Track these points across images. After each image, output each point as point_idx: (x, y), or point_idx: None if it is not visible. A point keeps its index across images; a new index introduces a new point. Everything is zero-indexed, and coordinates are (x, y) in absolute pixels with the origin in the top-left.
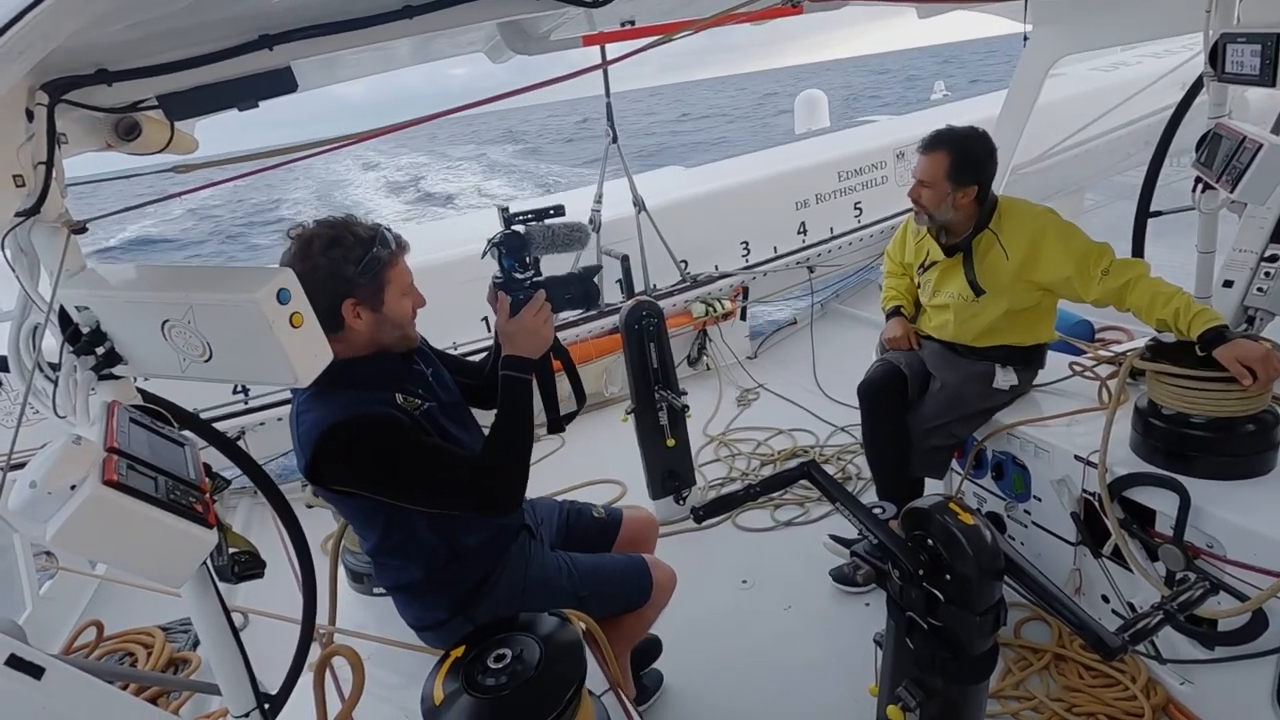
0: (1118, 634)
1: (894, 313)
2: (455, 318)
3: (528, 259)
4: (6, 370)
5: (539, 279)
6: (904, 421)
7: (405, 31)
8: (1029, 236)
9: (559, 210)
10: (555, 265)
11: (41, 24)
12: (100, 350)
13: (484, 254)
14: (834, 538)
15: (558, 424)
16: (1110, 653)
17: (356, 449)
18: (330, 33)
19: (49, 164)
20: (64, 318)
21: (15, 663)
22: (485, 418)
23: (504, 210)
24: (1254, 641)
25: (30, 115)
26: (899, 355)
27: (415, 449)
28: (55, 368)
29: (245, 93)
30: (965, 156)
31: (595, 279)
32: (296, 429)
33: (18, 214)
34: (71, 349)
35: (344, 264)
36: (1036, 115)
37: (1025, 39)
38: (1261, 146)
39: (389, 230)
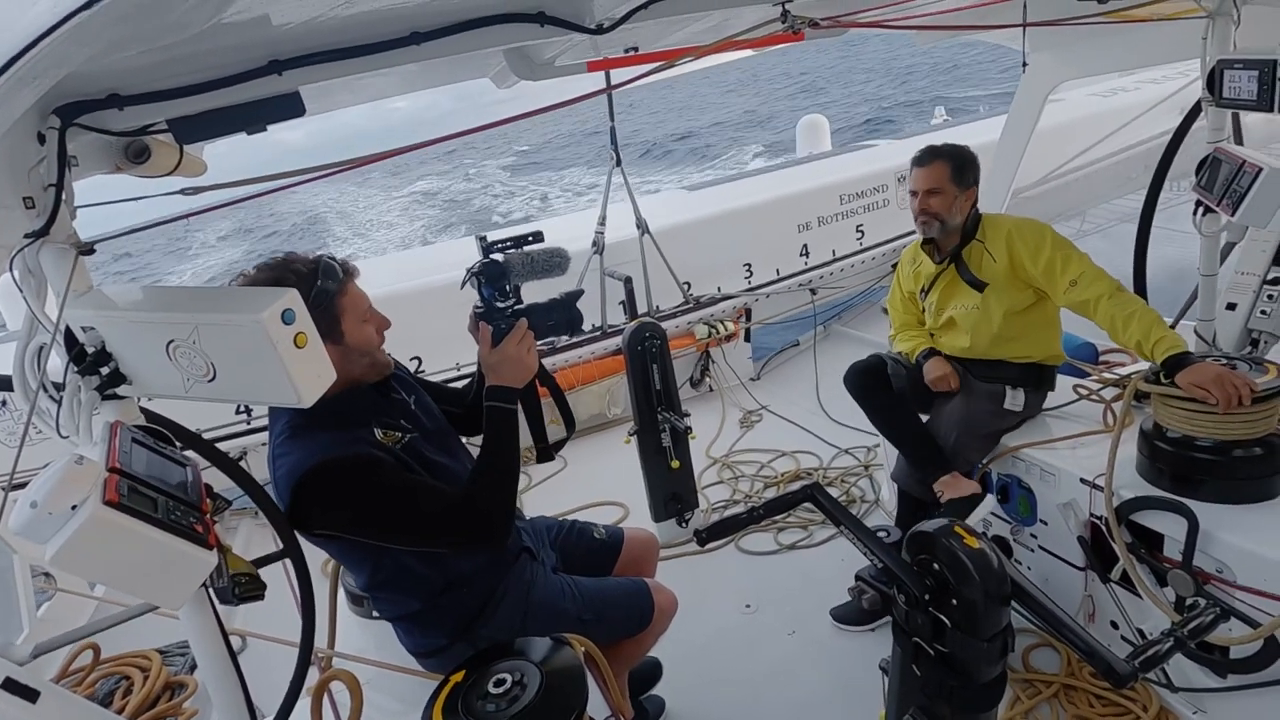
0: (1128, 661)
1: (930, 354)
2: (457, 340)
3: (508, 287)
4: (10, 390)
5: (520, 307)
6: (901, 392)
7: (412, 58)
8: (1005, 242)
9: (538, 237)
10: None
11: (55, 51)
12: (105, 370)
13: (463, 284)
14: (862, 579)
15: (546, 453)
16: (1120, 680)
17: (335, 494)
18: (339, 59)
19: (59, 186)
20: (70, 338)
21: (10, 686)
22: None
23: (482, 239)
24: (1267, 669)
25: (42, 138)
26: (901, 369)
27: (396, 489)
28: (59, 388)
29: (254, 117)
30: (963, 161)
31: (578, 304)
32: (273, 473)
33: (27, 235)
34: (76, 369)
35: None
36: (1036, 140)
37: (1025, 65)
38: (1261, 170)
39: (333, 259)
